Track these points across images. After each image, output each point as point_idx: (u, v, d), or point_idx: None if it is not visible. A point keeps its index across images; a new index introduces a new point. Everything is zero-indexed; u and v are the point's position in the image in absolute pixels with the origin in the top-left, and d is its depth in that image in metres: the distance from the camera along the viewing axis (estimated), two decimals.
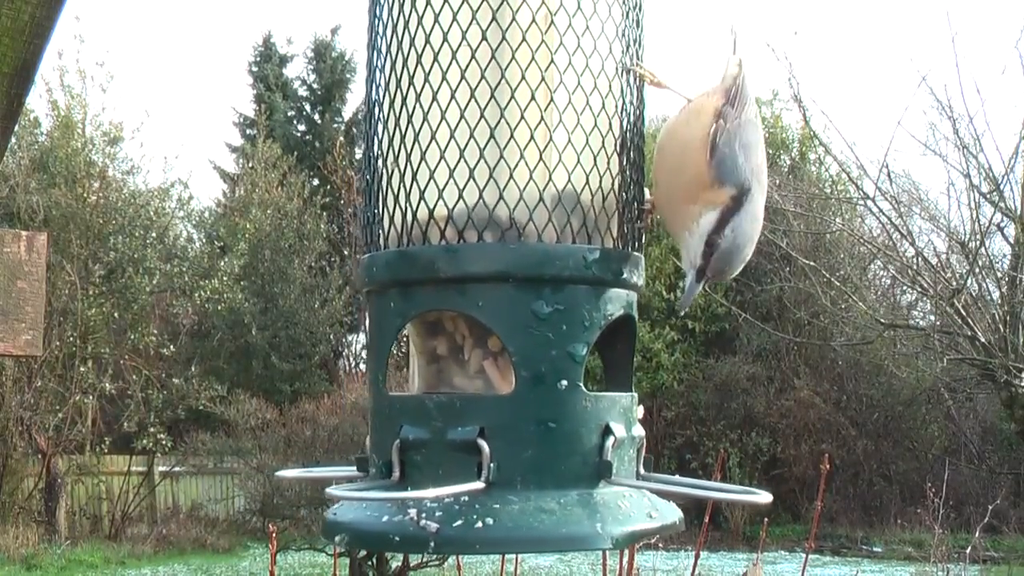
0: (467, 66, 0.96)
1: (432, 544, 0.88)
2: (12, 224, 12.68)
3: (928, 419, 16.67)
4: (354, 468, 1.04)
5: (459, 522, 0.89)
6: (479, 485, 0.90)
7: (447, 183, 0.96)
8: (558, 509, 0.90)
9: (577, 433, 0.94)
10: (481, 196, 0.95)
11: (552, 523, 0.89)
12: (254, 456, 11.86)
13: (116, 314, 13.85)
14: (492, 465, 0.91)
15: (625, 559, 1.97)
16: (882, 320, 12.39)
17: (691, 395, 16.47)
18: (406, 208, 0.98)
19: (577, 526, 0.90)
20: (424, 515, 0.89)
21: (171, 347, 14.54)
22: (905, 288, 14.92)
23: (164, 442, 14.07)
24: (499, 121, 0.95)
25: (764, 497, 0.95)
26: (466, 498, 0.90)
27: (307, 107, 23.33)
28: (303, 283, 17.22)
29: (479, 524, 0.88)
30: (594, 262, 0.96)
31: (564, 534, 0.89)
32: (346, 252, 17.18)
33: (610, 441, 0.95)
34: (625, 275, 1.00)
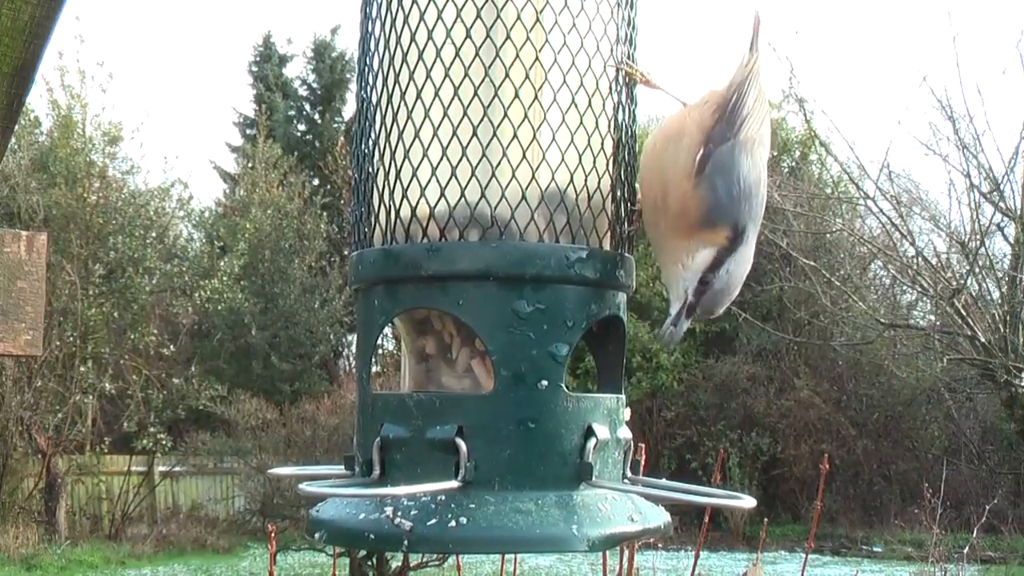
0: (451, 64, 0.96)
1: (406, 542, 0.88)
2: (12, 224, 12.67)
3: (928, 419, 16.64)
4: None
5: (433, 521, 0.88)
6: (454, 484, 0.89)
7: (429, 181, 0.96)
8: (535, 510, 0.89)
9: (557, 433, 0.93)
10: (463, 194, 0.95)
11: (527, 524, 0.88)
12: (254, 456, 11.87)
13: (116, 314, 13.85)
14: (469, 464, 0.90)
15: (625, 559, 1.96)
16: (882, 320, 12.40)
17: (691, 395, 16.44)
18: (390, 206, 0.98)
19: (553, 527, 0.89)
20: (400, 513, 0.89)
21: (171, 347, 14.54)
22: (905, 288, 14.92)
23: (164, 442, 14.06)
24: (482, 119, 0.95)
25: (748, 502, 0.94)
26: (443, 497, 0.89)
27: (307, 107, 23.32)
28: (303, 283, 17.22)
29: (453, 523, 0.88)
30: (577, 261, 0.95)
31: (539, 535, 0.88)
32: (346, 252, 17.12)
33: (592, 442, 0.94)
34: (611, 276, 0.98)
